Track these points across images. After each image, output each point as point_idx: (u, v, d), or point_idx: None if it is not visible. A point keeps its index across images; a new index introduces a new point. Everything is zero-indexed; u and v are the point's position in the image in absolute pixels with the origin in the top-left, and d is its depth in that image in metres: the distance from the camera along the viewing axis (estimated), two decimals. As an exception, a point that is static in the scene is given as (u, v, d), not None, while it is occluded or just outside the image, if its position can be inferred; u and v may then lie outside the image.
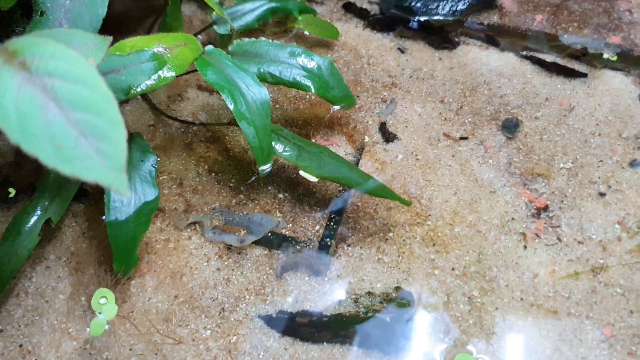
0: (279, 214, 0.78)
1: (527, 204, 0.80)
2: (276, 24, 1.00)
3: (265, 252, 0.75)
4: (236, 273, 0.73)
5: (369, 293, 0.72)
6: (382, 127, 0.88)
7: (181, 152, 0.84)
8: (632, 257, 0.75)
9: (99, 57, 0.53)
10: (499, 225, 0.78)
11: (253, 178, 0.81)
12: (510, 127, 0.89)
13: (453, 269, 0.74)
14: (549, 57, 0.98)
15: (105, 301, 0.67)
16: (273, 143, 0.75)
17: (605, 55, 0.98)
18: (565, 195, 0.81)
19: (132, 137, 0.76)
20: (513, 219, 0.79)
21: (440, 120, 0.90)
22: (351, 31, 1.02)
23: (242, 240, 0.75)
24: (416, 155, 0.85)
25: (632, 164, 0.85)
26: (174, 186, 0.80)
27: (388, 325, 0.70)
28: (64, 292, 0.70)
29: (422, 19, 1.03)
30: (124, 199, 0.68)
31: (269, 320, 0.70)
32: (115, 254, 0.67)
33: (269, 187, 0.81)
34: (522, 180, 0.83)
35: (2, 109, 0.36)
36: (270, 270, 0.73)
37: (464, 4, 1.03)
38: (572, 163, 0.85)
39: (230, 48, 0.82)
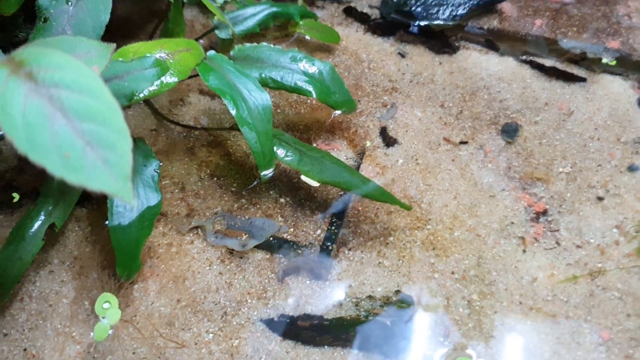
0: (280, 219, 0.79)
1: (526, 208, 0.81)
2: (277, 28, 1.01)
3: (267, 256, 0.76)
4: (238, 277, 0.74)
5: (370, 297, 0.73)
6: (383, 132, 0.89)
7: (183, 156, 0.84)
8: (629, 261, 0.76)
9: (102, 64, 0.54)
10: (498, 229, 0.79)
11: (255, 182, 0.82)
12: (510, 132, 0.90)
13: (453, 273, 0.75)
14: (548, 62, 0.99)
15: (108, 306, 0.68)
16: (275, 148, 0.75)
17: (604, 60, 0.99)
18: (564, 200, 0.82)
19: (135, 142, 0.77)
20: (512, 223, 0.80)
21: (440, 125, 0.90)
22: (352, 35, 1.03)
23: (244, 244, 0.76)
24: (416, 159, 0.86)
25: (630, 168, 0.85)
26: (176, 191, 0.81)
27: (388, 328, 0.70)
28: (67, 296, 0.71)
29: (423, 23, 1.04)
30: (127, 204, 0.69)
31: (271, 324, 0.70)
32: (118, 258, 0.68)
33: (271, 192, 0.81)
34: (521, 185, 0.84)
35: (9, 119, 0.37)
36: (272, 274, 0.74)
37: (464, 9, 1.04)
38: (571, 167, 0.85)
39: (231, 53, 0.82)
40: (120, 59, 0.69)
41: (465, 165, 0.86)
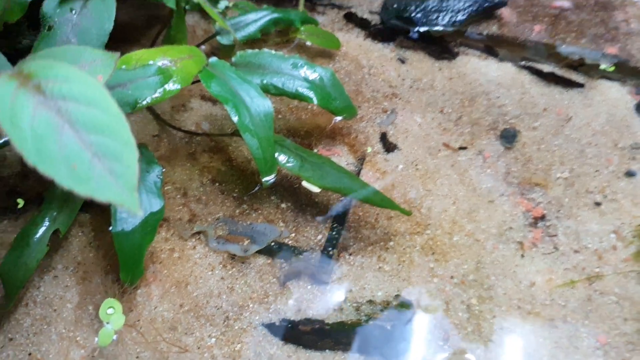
0: (281, 224, 0.80)
1: (524, 213, 0.82)
2: (278, 34, 1.02)
3: (269, 261, 0.76)
4: (240, 282, 0.74)
5: (370, 301, 0.74)
6: (383, 137, 0.90)
7: (185, 162, 0.85)
8: (626, 265, 0.77)
9: (107, 73, 0.54)
10: (497, 234, 0.80)
11: (256, 188, 0.83)
12: (509, 137, 0.91)
13: (452, 277, 0.76)
14: (546, 67, 1.00)
15: (112, 311, 0.69)
16: (276, 154, 0.76)
17: (603, 66, 1.00)
18: (562, 205, 0.83)
19: (138, 148, 0.78)
20: (511, 228, 0.80)
21: (439, 130, 0.91)
22: (352, 41, 1.04)
23: (246, 249, 0.77)
24: (416, 165, 0.87)
25: (628, 173, 0.86)
26: (178, 196, 0.82)
27: (389, 332, 0.71)
28: (71, 301, 0.71)
29: (422, 29, 1.05)
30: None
31: (272, 328, 0.71)
32: (122, 264, 0.69)
33: (272, 197, 0.82)
34: (519, 190, 0.84)
35: (19, 131, 0.38)
36: (274, 279, 0.75)
37: (463, 15, 1.05)
38: (569, 173, 0.86)
39: (233, 59, 0.83)
40: (124, 67, 0.70)
41: (464, 170, 0.86)
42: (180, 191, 0.82)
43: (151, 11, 1.03)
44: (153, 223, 0.71)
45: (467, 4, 1.05)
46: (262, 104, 0.75)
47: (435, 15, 1.05)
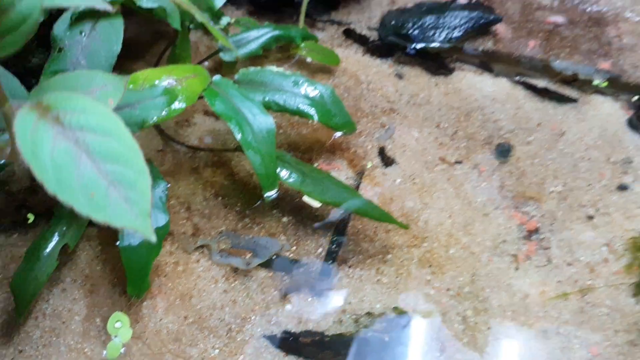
0: (283, 237, 0.82)
1: (518, 226, 0.84)
2: (279, 50, 1.04)
3: (270, 274, 0.79)
4: (242, 295, 0.77)
5: (369, 313, 0.76)
6: (381, 152, 0.92)
7: (189, 176, 0.88)
8: (618, 278, 0.79)
9: (117, 97, 0.57)
10: (491, 247, 0.82)
11: (258, 202, 0.85)
12: (503, 152, 0.93)
13: (448, 290, 0.78)
14: (541, 83, 1.03)
15: (120, 325, 0.71)
16: (278, 169, 0.79)
17: (596, 82, 1.03)
18: (556, 218, 0.85)
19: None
20: (505, 241, 0.83)
21: (436, 145, 0.94)
22: (351, 57, 1.06)
23: (248, 263, 0.79)
24: (413, 179, 0.89)
25: (620, 187, 0.89)
26: (182, 210, 0.84)
27: (386, 343, 0.73)
28: (79, 314, 0.74)
29: (419, 46, 1.07)
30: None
31: (274, 340, 0.73)
32: (129, 278, 0.71)
33: (274, 211, 0.85)
34: (514, 203, 0.87)
35: (39, 161, 0.40)
36: (275, 292, 0.77)
37: (459, 31, 1.08)
38: (563, 187, 0.89)
39: (236, 77, 0.85)
40: (131, 87, 0.72)
41: (460, 184, 0.89)
42: (184, 205, 0.85)
43: (156, 27, 1.06)
44: (159, 237, 0.74)
45: (463, 21, 1.08)
46: (265, 121, 0.77)
47: (432, 32, 1.08)
